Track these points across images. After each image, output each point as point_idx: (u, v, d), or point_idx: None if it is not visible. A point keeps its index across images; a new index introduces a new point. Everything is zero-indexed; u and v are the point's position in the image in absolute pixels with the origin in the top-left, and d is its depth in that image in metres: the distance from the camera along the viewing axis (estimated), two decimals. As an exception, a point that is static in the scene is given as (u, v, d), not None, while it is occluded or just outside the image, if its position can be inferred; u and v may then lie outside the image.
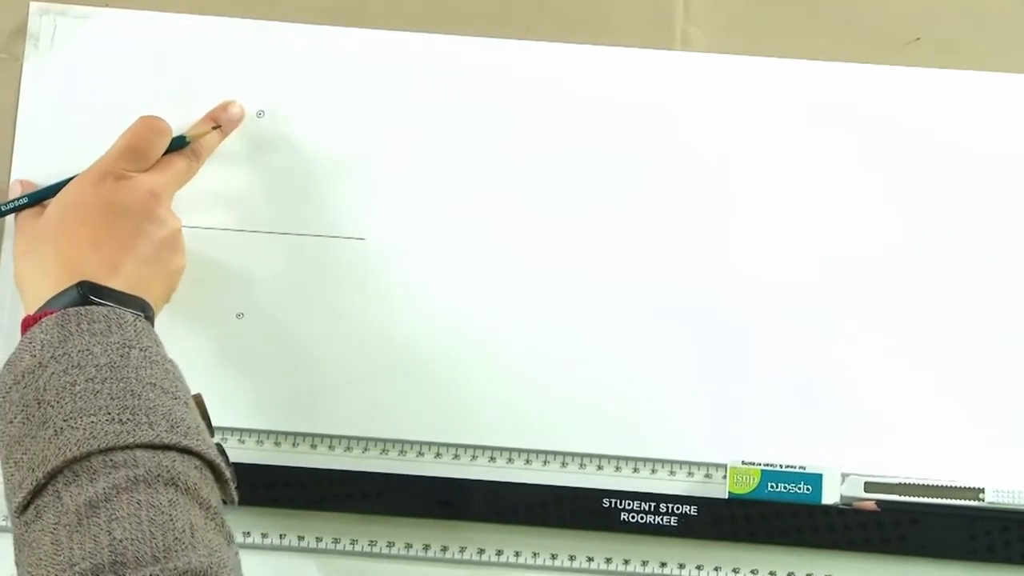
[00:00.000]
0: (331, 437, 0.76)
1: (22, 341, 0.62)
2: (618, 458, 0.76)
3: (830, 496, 0.73)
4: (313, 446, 0.76)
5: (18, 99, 0.78)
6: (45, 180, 0.76)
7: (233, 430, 0.76)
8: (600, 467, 0.76)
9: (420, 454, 0.76)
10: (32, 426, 0.58)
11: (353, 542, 0.75)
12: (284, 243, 0.77)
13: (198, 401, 0.65)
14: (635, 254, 0.77)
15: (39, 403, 0.59)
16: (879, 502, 0.74)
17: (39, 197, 0.73)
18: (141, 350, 0.62)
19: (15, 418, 0.59)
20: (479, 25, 0.79)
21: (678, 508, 0.74)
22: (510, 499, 0.74)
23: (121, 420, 0.58)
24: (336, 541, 0.75)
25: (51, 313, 0.62)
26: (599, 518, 0.74)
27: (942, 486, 0.74)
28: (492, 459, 0.76)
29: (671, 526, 0.74)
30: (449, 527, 0.75)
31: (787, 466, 0.74)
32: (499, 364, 0.76)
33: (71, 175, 0.71)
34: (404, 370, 0.76)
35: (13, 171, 0.77)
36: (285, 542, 0.75)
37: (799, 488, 0.74)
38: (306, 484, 0.75)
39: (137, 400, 0.59)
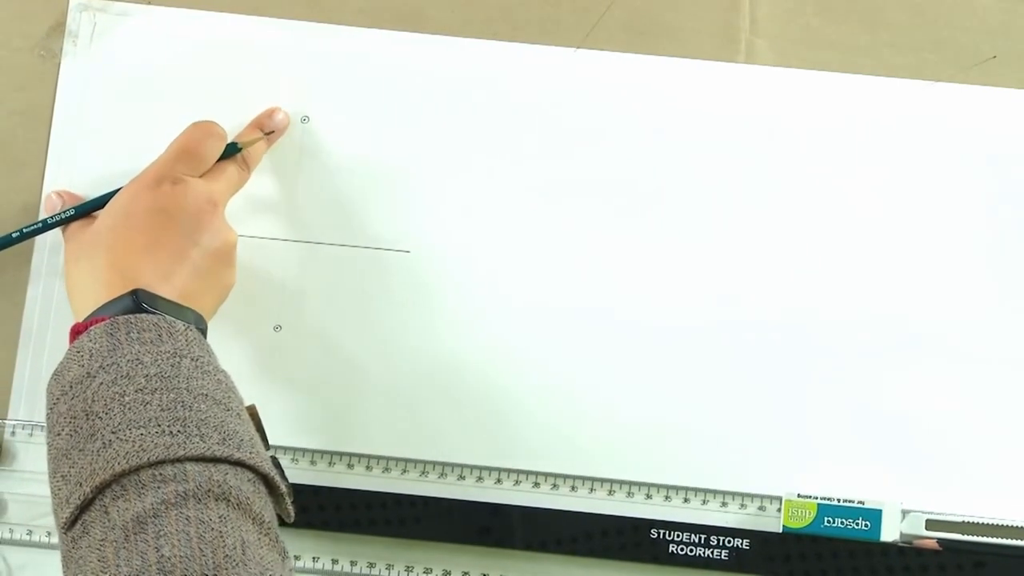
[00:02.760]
0: (369, 457, 0.74)
1: (70, 350, 0.61)
2: (667, 487, 0.74)
3: (889, 533, 0.71)
4: (350, 466, 0.74)
5: (55, 98, 0.77)
6: (79, 181, 0.76)
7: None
8: (648, 496, 0.74)
9: (461, 477, 0.74)
10: (80, 439, 0.57)
11: (389, 567, 0.73)
12: (325, 254, 0.76)
13: (252, 413, 0.63)
14: (689, 276, 0.75)
15: (87, 415, 0.58)
16: (941, 541, 0.71)
17: (86, 209, 0.72)
18: (192, 360, 0.60)
19: (63, 430, 0.58)
20: (535, 32, 0.77)
21: (729, 541, 0.72)
22: (553, 527, 0.72)
23: (171, 432, 0.56)
24: (371, 566, 0.73)
25: (101, 321, 0.61)
26: (646, 550, 0.72)
27: (1010, 526, 0.71)
28: (536, 485, 0.74)
29: (722, 560, 0.72)
30: (489, 554, 0.73)
31: (845, 500, 0.72)
32: (546, 385, 0.75)
33: (110, 180, 0.71)
34: (447, 389, 0.75)
35: (47, 171, 0.76)
36: (318, 565, 0.73)
37: (857, 524, 0.71)
38: (342, 506, 0.73)
39: (188, 411, 0.58)
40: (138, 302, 0.62)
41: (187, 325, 0.62)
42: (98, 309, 0.63)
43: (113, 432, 0.56)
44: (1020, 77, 0.76)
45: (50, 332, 0.75)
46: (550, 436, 0.74)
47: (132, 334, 0.60)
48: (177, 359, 0.60)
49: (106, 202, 0.70)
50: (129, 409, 0.57)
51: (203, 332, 0.65)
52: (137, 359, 0.59)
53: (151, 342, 0.60)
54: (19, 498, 0.74)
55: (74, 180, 0.76)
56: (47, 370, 0.73)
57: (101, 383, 0.58)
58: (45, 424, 0.60)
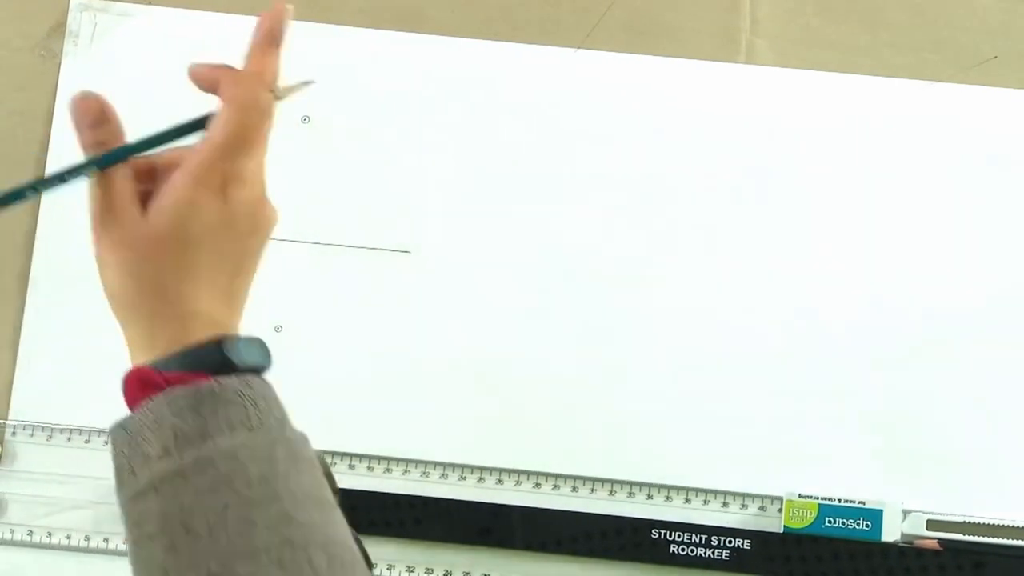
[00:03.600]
0: (370, 457, 0.74)
1: (145, 411, 0.54)
2: (668, 487, 0.74)
3: (890, 533, 0.71)
4: (351, 467, 0.74)
5: (55, 98, 0.77)
6: (79, 182, 0.74)
7: (268, 447, 0.74)
8: (650, 496, 0.73)
9: (462, 478, 0.74)
10: (180, 560, 0.52)
11: (390, 567, 0.73)
12: (326, 254, 0.76)
13: (326, 471, 0.58)
14: (689, 275, 0.75)
15: (186, 530, 0.53)
16: (942, 541, 0.71)
17: (113, 159, 0.56)
18: (284, 444, 0.55)
19: (156, 535, 0.53)
20: (536, 33, 0.77)
21: (730, 541, 0.72)
22: (554, 528, 0.72)
23: (281, 563, 0.52)
24: (373, 566, 0.73)
25: (181, 381, 0.54)
26: (647, 550, 0.72)
27: (1009, 526, 0.71)
28: (537, 485, 0.74)
29: (722, 560, 0.72)
30: (491, 554, 0.73)
31: (846, 500, 0.72)
32: (547, 386, 0.74)
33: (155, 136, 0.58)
34: (448, 389, 0.74)
35: (47, 171, 0.76)
36: (319, 566, 0.73)
37: (858, 524, 0.71)
38: (342, 507, 0.72)
39: (295, 530, 0.53)
40: (224, 358, 0.54)
41: (263, 382, 0.56)
42: (176, 358, 0.55)
43: (221, 565, 0.52)
44: (1020, 77, 0.76)
45: (51, 333, 0.74)
46: (551, 437, 0.74)
47: (219, 411, 0.54)
48: (271, 448, 0.54)
49: (140, 149, 0.57)
50: (235, 534, 0.53)
51: (267, 368, 0.58)
52: (234, 455, 0.53)
53: (242, 425, 0.54)
54: (19, 498, 0.74)
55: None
56: (47, 371, 0.73)
57: (198, 491, 0.53)
58: (122, 500, 0.54)
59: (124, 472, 0.54)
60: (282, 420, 0.56)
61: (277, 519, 0.53)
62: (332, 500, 0.56)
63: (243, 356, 0.55)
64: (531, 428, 0.74)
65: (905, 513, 0.72)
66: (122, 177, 0.57)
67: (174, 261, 0.56)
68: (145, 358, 0.56)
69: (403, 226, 0.75)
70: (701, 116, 0.76)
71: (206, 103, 0.75)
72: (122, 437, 0.54)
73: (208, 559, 0.52)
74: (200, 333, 0.55)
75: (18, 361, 0.74)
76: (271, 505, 0.53)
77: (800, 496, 0.72)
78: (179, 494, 0.53)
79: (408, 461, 0.74)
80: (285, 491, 0.54)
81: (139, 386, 0.55)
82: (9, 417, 0.74)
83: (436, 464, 0.74)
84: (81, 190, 0.74)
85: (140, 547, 0.53)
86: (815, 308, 0.75)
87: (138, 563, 0.54)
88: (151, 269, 0.56)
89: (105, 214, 0.56)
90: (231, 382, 0.54)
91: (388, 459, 0.74)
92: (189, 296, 0.56)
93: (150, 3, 0.77)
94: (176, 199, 0.56)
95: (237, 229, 0.57)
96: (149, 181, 0.57)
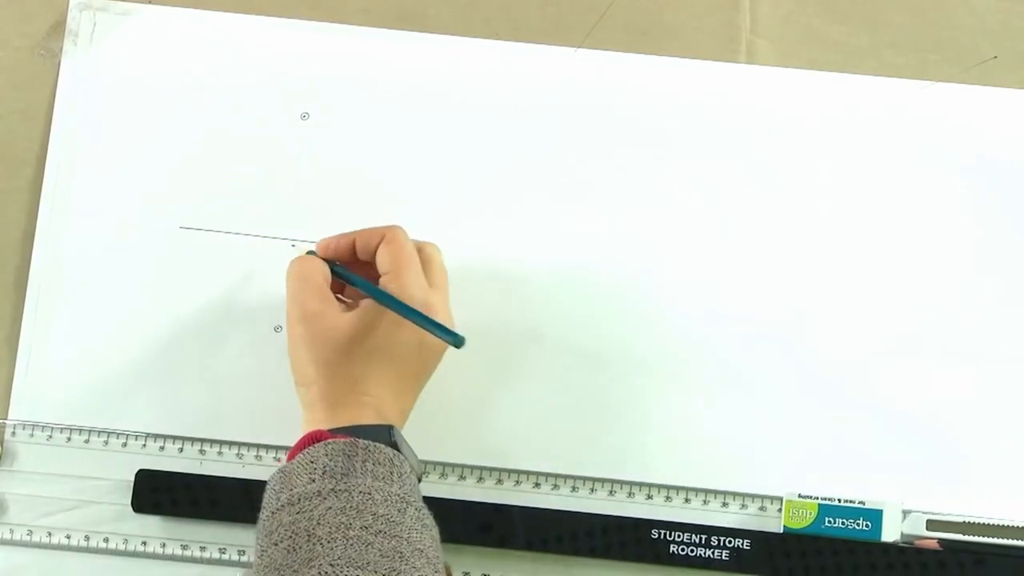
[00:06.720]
0: (370, 457, 0.74)
1: (303, 457, 0.61)
2: (668, 487, 0.73)
3: (890, 533, 0.71)
4: (351, 466, 0.74)
5: (54, 97, 0.77)
6: (79, 181, 0.75)
7: (268, 447, 0.74)
8: (649, 496, 0.73)
9: (462, 478, 0.74)
10: (297, 559, 0.57)
11: (390, 567, 0.73)
12: (326, 254, 0.75)
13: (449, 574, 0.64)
14: (689, 276, 0.75)
15: (309, 536, 0.58)
16: (942, 541, 0.71)
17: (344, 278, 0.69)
18: (416, 509, 0.61)
19: (281, 541, 0.58)
20: (536, 32, 0.77)
21: (730, 541, 0.72)
22: (554, 528, 0.72)
23: None
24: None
25: (341, 438, 0.62)
26: (647, 550, 0.72)
27: (1010, 526, 0.71)
28: (537, 485, 0.74)
29: (722, 560, 0.72)
30: (490, 554, 0.73)
31: (846, 500, 0.72)
32: (545, 386, 0.74)
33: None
34: (447, 390, 0.74)
35: (47, 171, 0.76)
36: (319, 565, 0.73)
37: (858, 524, 0.71)
38: (343, 506, 0.72)
39: (404, 564, 0.58)
40: (391, 440, 0.63)
41: (412, 469, 0.63)
42: (350, 428, 0.63)
43: (332, 565, 0.56)
44: (1020, 77, 0.76)
45: (50, 333, 0.74)
46: (551, 437, 0.74)
47: (368, 464, 0.61)
48: (404, 505, 0.60)
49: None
50: (352, 545, 0.57)
51: (420, 480, 0.66)
52: (368, 493, 0.59)
53: (383, 478, 0.60)
54: (19, 498, 0.73)
55: (74, 180, 0.75)
56: (47, 370, 0.73)
57: (330, 508, 0.58)
58: (261, 520, 0.60)
59: (270, 496, 0.61)
60: (418, 495, 0.62)
61: (392, 552, 0.58)
62: (441, 573, 0.60)
63: (404, 448, 0.64)
64: (531, 428, 0.74)
65: (905, 513, 0.72)
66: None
67: (369, 361, 0.66)
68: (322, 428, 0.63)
69: (403, 225, 0.75)
70: (701, 116, 0.76)
71: (205, 103, 0.75)
72: (277, 476, 0.61)
73: (321, 558, 0.56)
74: (370, 419, 0.64)
75: (18, 361, 0.74)
76: (389, 540, 0.58)
77: (800, 496, 0.72)
78: (312, 510, 0.58)
79: (408, 461, 0.74)
80: (406, 537, 0.59)
81: (308, 441, 0.62)
82: (9, 417, 0.74)
83: (436, 464, 0.74)
84: (78, 190, 0.75)
85: (264, 555, 0.58)
86: (815, 307, 0.75)
87: (257, 567, 0.58)
88: (342, 360, 0.65)
89: (315, 303, 0.68)
90: (386, 449, 0.62)
91: (388, 459, 0.74)
92: (371, 395, 0.65)
93: (150, 2, 0.77)
94: (388, 317, 0.66)
95: (431, 350, 0.68)
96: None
